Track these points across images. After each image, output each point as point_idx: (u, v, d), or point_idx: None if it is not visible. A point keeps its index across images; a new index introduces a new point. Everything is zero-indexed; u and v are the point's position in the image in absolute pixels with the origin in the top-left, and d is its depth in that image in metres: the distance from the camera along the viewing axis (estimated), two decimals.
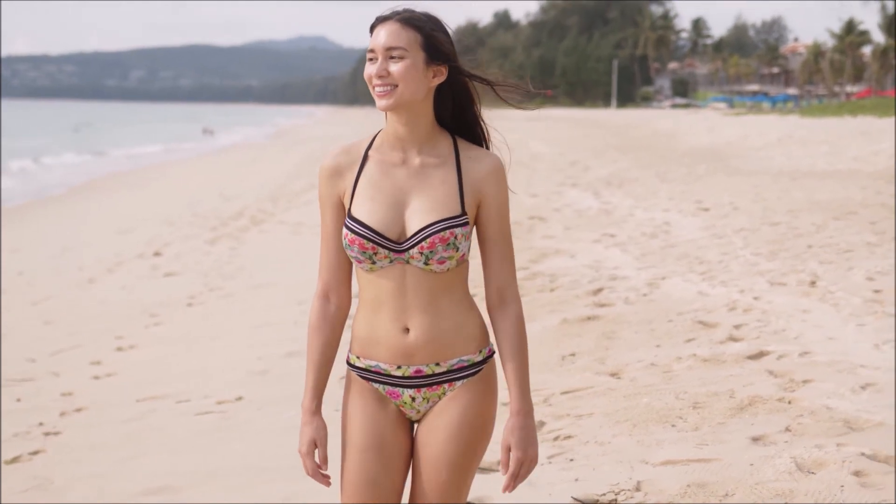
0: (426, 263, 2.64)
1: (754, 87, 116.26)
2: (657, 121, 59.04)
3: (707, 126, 46.79)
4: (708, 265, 10.06)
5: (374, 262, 2.65)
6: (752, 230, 12.35)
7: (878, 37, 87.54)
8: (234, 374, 7.30)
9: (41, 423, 6.43)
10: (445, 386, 2.72)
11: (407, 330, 2.68)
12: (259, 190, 23.07)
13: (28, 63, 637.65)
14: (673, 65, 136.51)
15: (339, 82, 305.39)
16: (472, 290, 2.79)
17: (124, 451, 5.78)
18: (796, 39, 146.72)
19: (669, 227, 13.16)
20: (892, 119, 37.44)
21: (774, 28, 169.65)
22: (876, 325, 7.18)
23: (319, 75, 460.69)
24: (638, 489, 4.41)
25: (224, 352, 8.14)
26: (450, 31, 2.71)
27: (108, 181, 29.14)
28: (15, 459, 5.76)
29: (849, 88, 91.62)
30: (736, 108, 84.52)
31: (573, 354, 6.97)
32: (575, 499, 4.35)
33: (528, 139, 37.86)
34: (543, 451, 4.97)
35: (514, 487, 2.70)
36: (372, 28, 2.68)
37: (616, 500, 4.33)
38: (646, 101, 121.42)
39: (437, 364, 2.70)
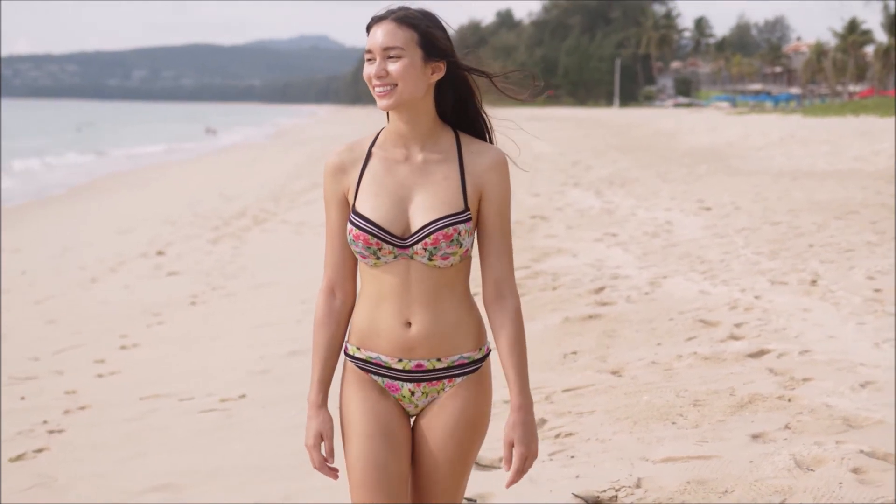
0: (430, 259, 2.66)
1: (757, 87, 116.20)
2: (659, 120, 59.02)
3: (709, 126, 46.76)
4: (709, 264, 10.08)
5: (378, 258, 2.67)
6: (753, 229, 12.37)
7: (881, 36, 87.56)
8: (236, 374, 7.32)
9: (45, 422, 6.46)
10: (445, 382, 2.73)
11: (409, 324, 2.70)
12: (260, 190, 23.10)
13: (30, 62, 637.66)
14: (675, 64, 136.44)
15: (341, 81, 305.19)
16: (472, 290, 2.81)
17: (127, 449, 5.81)
18: (799, 39, 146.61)
19: (671, 227, 13.18)
20: (893, 119, 37.43)
21: (777, 27, 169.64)
22: (876, 324, 7.20)
23: (321, 75, 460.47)
24: (638, 486, 4.43)
25: (226, 351, 8.17)
26: (446, 27, 2.72)
27: (109, 181, 29.16)
28: (19, 457, 5.79)
29: (851, 88, 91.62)
30: (738, 107, 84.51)
31: (575, 353, 7.00)
32: (576, 495, 4.37)
33: (531, 139, 37.84)
34: (545, 448, 5.00)
35: (516, 482, 2.72)
36: (368, 28, 2.69)
37: (616, 496, 4.35)
38: (648, 100, 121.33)
39: (439, 359, 2.72)
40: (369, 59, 2.66)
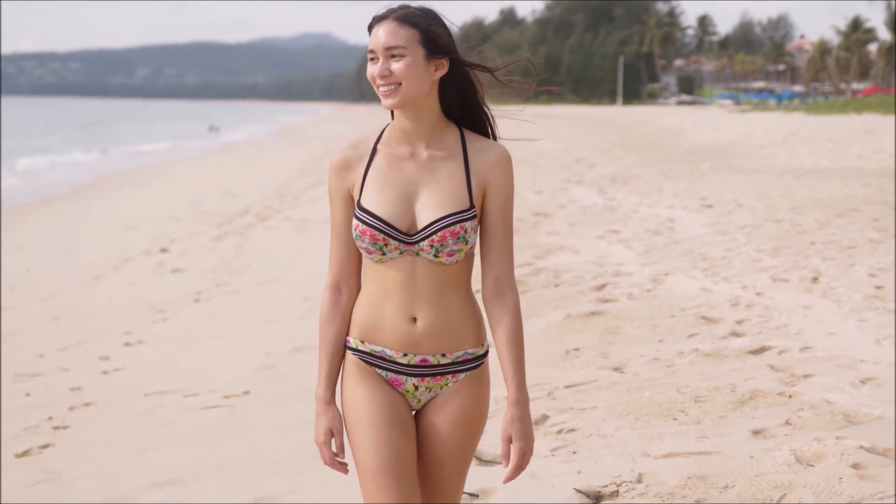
0: (436, 256, 2.68)
1: (760, 85, 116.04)
2: (662, 118, 58.98)
3: (712, 124, 46.73)
4: (711, 261, 10.10)
5: (384, 254, 2.69)
6: (755, 227, 12.39)
7: (884, 34, 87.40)
8: (240, 370, 7.36)
9: (50, 418, 6.50)
10: (449, 377, 2.76)
11: (414, 320, 2.72)
12: (264, 188, 23.12)
13: (34, 60, 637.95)
14: (679, 62, 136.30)
15: (345, 79, 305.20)
16: (473, 287, 2.84)
17: (132, 446, 5.85)
18: (802, 37, 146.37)
19: (673, 224, 13.19)
20: (895, 117, 37.39)
21: (780, 25, 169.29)
22: (877, 321, 7.22)
23: (325, 72, 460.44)
24: (639, 481, 4.46)
25: (230, 348, 8.20)
26: (447, 24, 2.74)
27: (113, 179, 29.19)
28: (25, 453, 5.83)
29: (854, 86, 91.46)
30: (742, 105, 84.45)
31: (577, 349, 7.03)
32: (578, 490, 4.41)
33: (535, 133, 37.77)
34: (547, 443, 5.03)
35: (515, 478, 2.75)
36: (370, 28, 2.71)
37: (618, 491, 4.38)
38: (651, 98, 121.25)
39: (444, 355, 2.74)
40: (372, 59, 2.68)
